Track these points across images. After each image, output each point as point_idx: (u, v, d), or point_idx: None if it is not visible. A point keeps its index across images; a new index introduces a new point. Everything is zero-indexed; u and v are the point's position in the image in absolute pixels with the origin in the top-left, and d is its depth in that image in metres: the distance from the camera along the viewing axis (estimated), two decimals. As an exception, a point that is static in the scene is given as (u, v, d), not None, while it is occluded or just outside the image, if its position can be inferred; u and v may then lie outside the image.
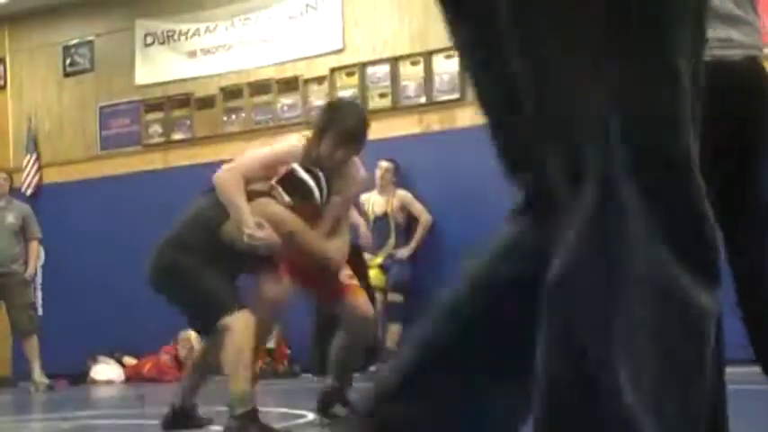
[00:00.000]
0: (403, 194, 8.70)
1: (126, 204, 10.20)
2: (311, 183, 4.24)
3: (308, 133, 4.43)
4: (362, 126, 4.42)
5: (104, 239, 10.23)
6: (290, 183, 4.28)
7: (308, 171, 4.25)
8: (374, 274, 8.49)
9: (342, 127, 4.30)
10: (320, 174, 4.26)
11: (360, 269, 8.08)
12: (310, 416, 5.00)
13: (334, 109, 4.49)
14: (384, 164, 8.66)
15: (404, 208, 8.69)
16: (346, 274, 4.53)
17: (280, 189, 4.29)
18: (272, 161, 4.30)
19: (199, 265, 4.14)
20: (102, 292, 10.20)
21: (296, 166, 4.25)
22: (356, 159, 4.53)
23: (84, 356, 10.01)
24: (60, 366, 9.81)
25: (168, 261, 4.23)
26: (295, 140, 4.42)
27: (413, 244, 8.59)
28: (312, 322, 8.28)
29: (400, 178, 8.73)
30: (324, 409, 4.54)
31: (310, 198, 4.26)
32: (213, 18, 10.04)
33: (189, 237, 4.21)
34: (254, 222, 4.13)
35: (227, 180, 4.23)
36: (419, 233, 8.59)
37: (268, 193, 4.27)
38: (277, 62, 9.74)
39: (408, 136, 8.97)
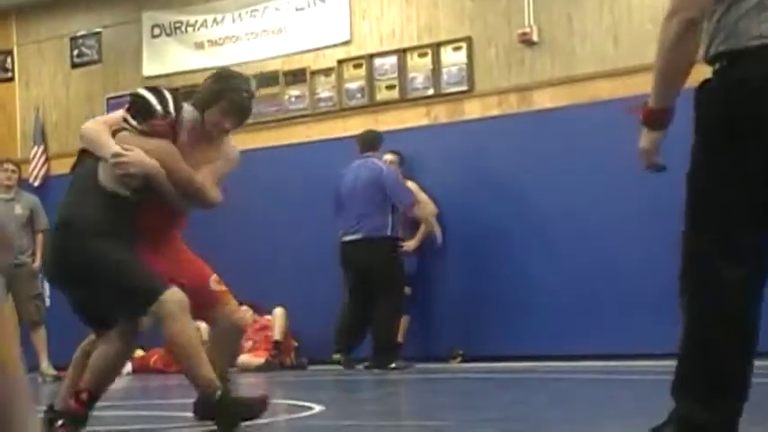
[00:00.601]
0: (410, 186, 8.68)
1: (133, 196, 10.19)
2: (152, 98, 4.20)
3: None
4: (251, 100, 4.39)
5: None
6: (134, 106, 4.23)
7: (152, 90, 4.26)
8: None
9: (234, 98, 4.27)
10: (164, 91, 4.26)
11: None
12: (317, 408, 4.99)
13: (226, 78, 4.42)
14: (389, 156, 8.64)
15: None
16: (214, 280, 4.37)
17: (128, 116, 4.24)
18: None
19: (108, 246, 3.99)
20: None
21: (139, 89, 4.30)
22: (231, 137, 4.49)
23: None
24: (67, 358, 9.80)
25: (64, 242, 4.11)
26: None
27: (419, 236, 8.58)
28: (344, 309, 8.23)
29: (406, 170, 8.71)
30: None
31: (154, 113, 4.18)
32: (221, 9, 10.02)
33: (86, 217, 4.08)
34: (118, 148, 4.08)
35: (88, 126, 4.27)
36: (425, 225, 8.57)
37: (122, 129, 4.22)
38: (284, 54, 9.72)
39: (416, 128, 8.95)
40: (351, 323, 8.28)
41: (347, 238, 8.24)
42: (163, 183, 4.11)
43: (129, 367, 9.83)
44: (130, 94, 4.33)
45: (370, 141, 8.45)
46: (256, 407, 4.16)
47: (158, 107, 4.17)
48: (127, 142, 4.10)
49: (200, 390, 4.06)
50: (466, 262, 8.69)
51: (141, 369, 9.65)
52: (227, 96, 4.26)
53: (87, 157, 4.21)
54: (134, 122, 4.19)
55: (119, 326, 4.14)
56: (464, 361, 8.37)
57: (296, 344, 9.18)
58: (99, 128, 4.20)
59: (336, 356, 8.23)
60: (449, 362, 8.37)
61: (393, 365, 7.96)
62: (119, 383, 8.94)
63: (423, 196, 8.61)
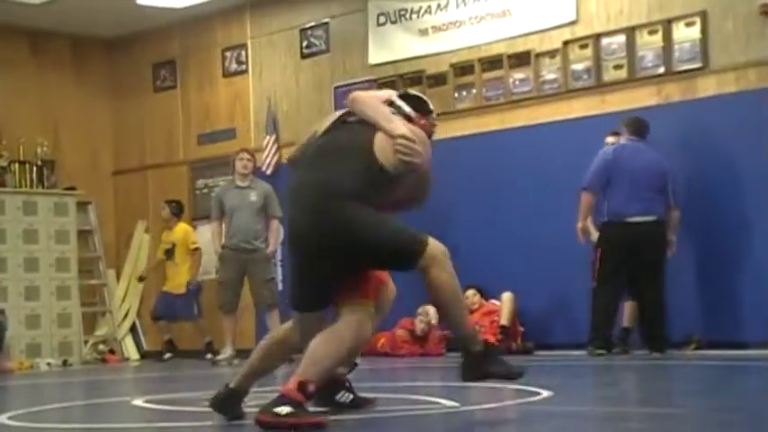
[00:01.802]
0: None
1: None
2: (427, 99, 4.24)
3: None
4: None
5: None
6: (409, 99, 4.21)
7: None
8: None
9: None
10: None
11: None
12: (545, 393, 4.91)
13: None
14: (609, 138, 8.45)
15: None
16: None
17: (399, 100, 4.17)
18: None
19: (365, 209, 3.88)
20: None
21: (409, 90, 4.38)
22: None
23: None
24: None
25: (323, 206, 3.90)
26: None
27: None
28: (600, 293, 8.12)
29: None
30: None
31: (429, 112, 4.20)
32: (444, -5, 10.03)
33: (345, 180, 3.92)
34: (407, 130, 3.97)
35: (366, 98, 4.17)
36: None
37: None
38: (508, 37, 9.62)
39: (646, 108, 8.65)
40: (613, 308, 8.09)
41: (635, 219, 8.00)
42: (426, 176, 4.13)
43: (357, 350, 10.03)
44: (405, 94, 4.32)
45: (641, 128, 8.22)
46: (515, 372, 4.10)
47: (432, 108, 4.26)
48: (400, 126, 4.03)
49: (464, 338, 3.99)
50: (702, 246, 8.34)
51: (369, 352, 9.82)
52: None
53: (353, 124, 4.10)
54: (406, 109, 4.16)
55: (350, 314, 4.04)
56: (699, 348, 8.05)
57: (522, 329, 9.10)
58: (379, 103, 4.13)
59: (599, 351, 7.97)
60: (683, 349, 8.08)
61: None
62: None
63: None
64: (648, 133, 8.22)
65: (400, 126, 3.99)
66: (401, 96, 4.27)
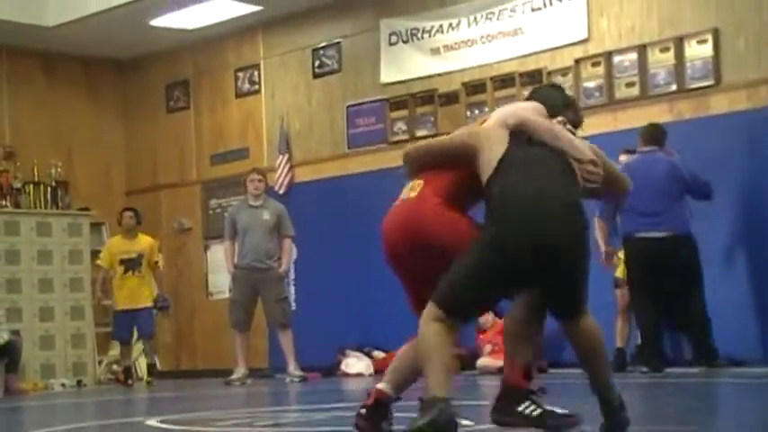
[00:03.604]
0: None
1: (373, 201, 10.36)
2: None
3: None
4: None
5: (352, 236, 10.46)
6: (544, 93, 4.21)
7: None
8: (621, 268, 8.30)
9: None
10: None
11: None
12: (558, 411, 4.88)
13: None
14: (622, 157, 8.42)
15: None
16: None
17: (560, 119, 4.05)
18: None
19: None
20: (352, 287, 10.44)
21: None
22: None
23: (335, 350, 10.28)
24: (313, 359, 10.12)
25: (579, 226, 3.77)
26: None
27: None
28: (636, 314, 8.09)
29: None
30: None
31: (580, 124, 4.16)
32: (456, 14, 10.06)
33: (574, 196, 3.80)
34: (593, 156, 3.88)
35: (540, 120, 3.96)
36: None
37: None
38: (520, 55, 9.64)
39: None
40: (649, 327, 7.93)
41: (646, 235, 7.86)
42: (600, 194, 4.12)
43: (371, 369, 10.03)
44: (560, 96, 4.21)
45: (656, 135, 8.04)
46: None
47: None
48: (587, 151, 3.94)
49: (608, 388, 3.90)
50: (714, 261, 8.31)
51: (383, 370, 9.79)
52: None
53: (543, 146, 3.91)
54: (570, 126, 4.09)
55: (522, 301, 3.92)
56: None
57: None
58: (558, 127, 3.99)
59: (642, 369, 7.82)
60: (693, 366, 8.05)
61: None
62: (361, 384, 9.14)
63: None
64: (665, 139, 8.05)
65: (587, 152, 3.91)
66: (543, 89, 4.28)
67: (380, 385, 4.09)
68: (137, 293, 10.50)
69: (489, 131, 3.94)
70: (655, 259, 7.84)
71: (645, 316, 7.95)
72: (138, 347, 12.01)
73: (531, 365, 3.92)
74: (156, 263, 10.67)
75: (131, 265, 10.52)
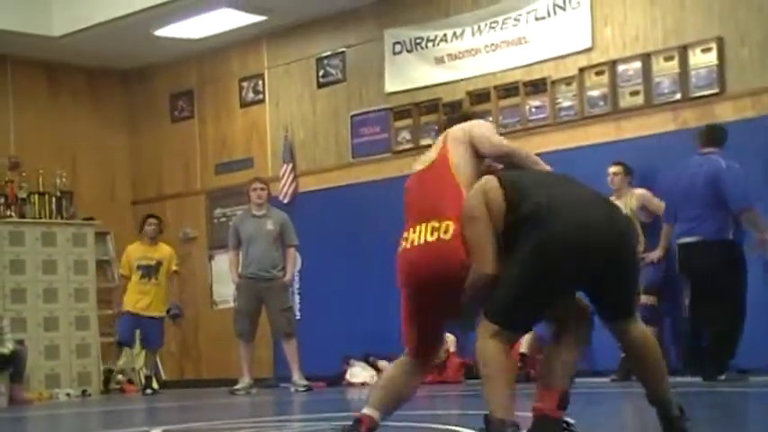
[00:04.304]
0: (640, 193, 8.46)
1: (377, 210, 10.39)
2: None
3: None
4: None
5: (357, 245, 10.47)
6: None
7: None
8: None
9: None
10: None
11: None
12: (569, 420, 4.86)
13: None
14: (612, 168, 8.43)
15: (644, 207, 8.43)
16: None
17: None
18: None
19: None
20: (357, 297, 10.44)
21: None
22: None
23: (340, 360, 10.27)
24: (317, 368, 10.11)
25: (632, 231, 3.91)
26: None
27: (662, 243, 8.26)
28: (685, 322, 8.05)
29: (637, 180, 8.46)
30: None
31: None
32: (460, 23, 10.07)
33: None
34: None
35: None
36: (665, 232, 8.22)
37: None
38: (524, 64, 9.64)
39: (662, 134, 8.64)
40: (692, 335, 7.86)
41: (682, 241, 7.82)
42: None
43: (375, 378, 10.01)
44: None
45: (714, 136, 7.86)
46: None
47: None
48: None
49: (666, 401, 3.86)
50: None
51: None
52: None
53: None
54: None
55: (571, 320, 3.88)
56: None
57: (540, 357, 9.04)
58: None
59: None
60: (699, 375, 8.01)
61: (723, 377, 7.56)
62: (366, 394, 9.12)
63: (655, 202, 8.32)
64: (721, 139, 7.82)
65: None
66: None
67: (369, 412, 4.03)
68: (150, 301, 10.53)
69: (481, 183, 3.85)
70: (688, 266, 7.78)
71: (684, 324, 7.92)
72: (142, 356, 12.00)
73: (568, 393, 3.82)
74: (176, 271, 10.74)
75: (149, 271, 10.55)
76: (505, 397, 3.66)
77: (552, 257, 3.60)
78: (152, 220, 10.78)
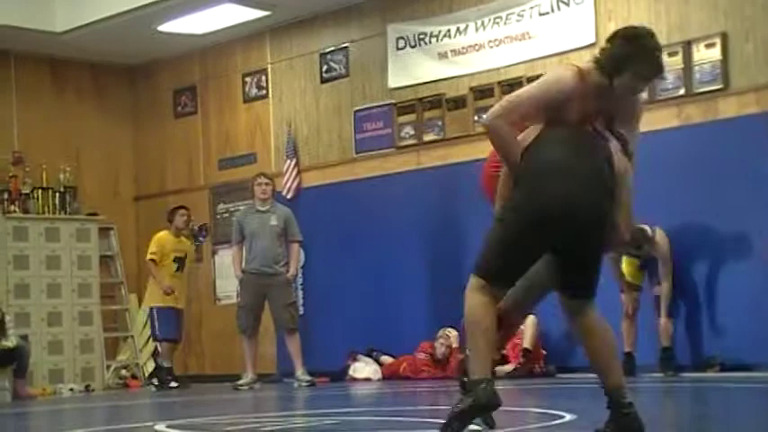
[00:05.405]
0: None
1: (380, 205, 10.40)
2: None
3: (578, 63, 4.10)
4: (661, 55, 4.07)
5: (360, 240, 10.47)
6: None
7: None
8: (630, 272, 8.29)
9: (650, 60, 3.98)
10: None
11: None
12: (568, 416, 4.88)
13: (634, 39, 4.02)
14: None
15: None
16: None
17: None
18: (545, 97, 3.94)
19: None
20: (360, 292, 10.44)
21: None
22: None
23: (344, 355, 10.28)
24: (321, 363, 10.12)
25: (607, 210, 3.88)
26: (562, 70, 4.06)
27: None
28: None
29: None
30: None
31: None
32: (464, 19, 10.05)
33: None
34: None
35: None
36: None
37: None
38: (528, 59, 9.63)
39: (666, 129, 8.63)
40: None
41: None
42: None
43: (379, 374, 10.03)
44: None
45: None
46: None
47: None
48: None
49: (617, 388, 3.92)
50: (723, 266, 8.30)
51: (391, 376, 9.81)
52: (637, 66, 3.97)
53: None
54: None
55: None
56: (723, 370, 7.99)
57: (544, 352, 9.06)
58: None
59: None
60: (705, 371, 8.03)
61: None
62: (371, 388, 9.14)
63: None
64: None
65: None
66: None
67: None
68: (179, 293, 10.52)
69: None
70: None
71: None
72: (146, 351, 12.01)
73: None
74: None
75: (181, 264, 10.54)
76: (483, 355, 3.83)
77: (533, 221, 3.77)
78: (184, 211, 10.70)
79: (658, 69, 4.03)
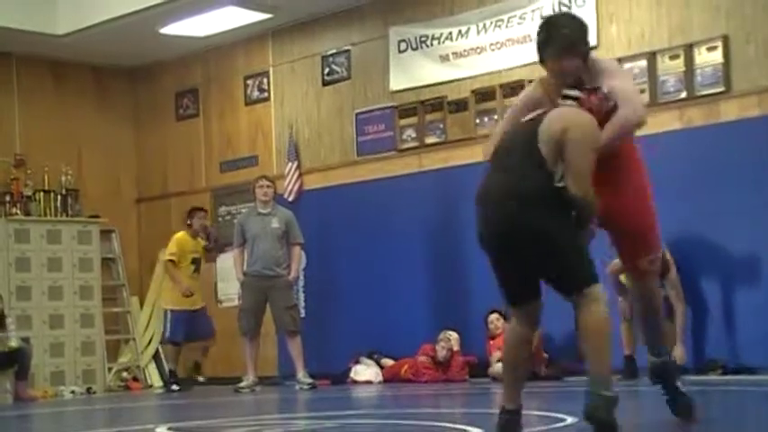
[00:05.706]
0: None
1: (382, 208, 10.40)
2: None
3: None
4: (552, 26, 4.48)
5: (361, 243, 10.47)
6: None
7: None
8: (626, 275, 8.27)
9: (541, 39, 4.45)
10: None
11: None
12: (570, 419, 4.87)
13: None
14: None
15: None
16: None
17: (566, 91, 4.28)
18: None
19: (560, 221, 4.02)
20: (361, 295, 10.44)
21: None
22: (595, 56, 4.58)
23: (345, 357, 10.27)
24: (322, 366, 10.12)
25: (512, 209, 4.04)
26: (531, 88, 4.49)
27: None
28: None
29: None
30: None
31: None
32: (465, 21, 10.05)
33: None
34: None
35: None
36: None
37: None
38: (529, 62, 9.60)
39: (668, 132, 8.63)
40: None
41: None
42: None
43: (380, 376, 10.02)
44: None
45: None
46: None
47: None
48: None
49: (597, 387, 3.95)
50: (724, 268, 8.29)
51: (392, 378, 9.80)
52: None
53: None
54: (573, 93, 4.30)
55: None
56: (725, 373, 7.98)
57: (546, 355, 9.05)
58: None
59: None
60: (708, 373, 8.02)
61: None
62: (372, 391, 9.14)
63: None
64: None
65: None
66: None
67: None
68: (198, 294, 10.53)
69: None
70: None
71: None
72: (147, 354, 12.01)
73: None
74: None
75: (198, 265, 10.57)
76: (506, 383, 4.12)
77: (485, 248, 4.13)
78: (202, 213, 10.75)
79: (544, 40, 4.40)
